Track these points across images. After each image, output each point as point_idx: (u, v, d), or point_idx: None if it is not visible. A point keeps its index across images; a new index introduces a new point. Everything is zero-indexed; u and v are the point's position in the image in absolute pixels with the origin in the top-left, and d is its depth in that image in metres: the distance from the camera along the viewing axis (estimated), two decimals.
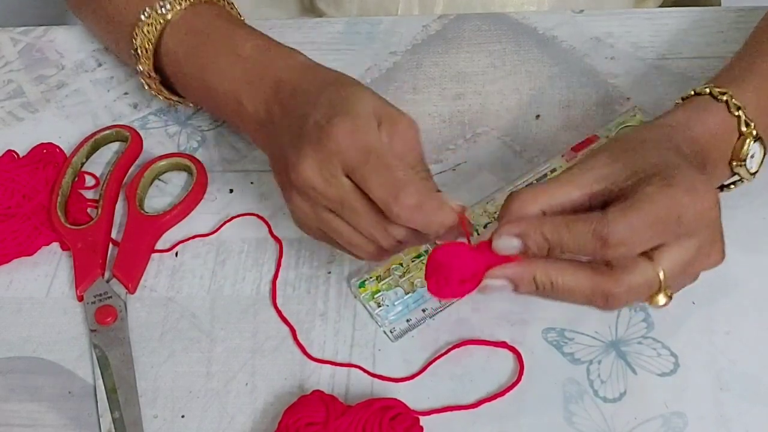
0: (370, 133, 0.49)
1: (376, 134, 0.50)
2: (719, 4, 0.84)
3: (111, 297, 0.57)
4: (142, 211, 0.61)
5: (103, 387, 0.54)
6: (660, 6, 0.79)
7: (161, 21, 0.60)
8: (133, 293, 0.58)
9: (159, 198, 0.63)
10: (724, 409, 0.51)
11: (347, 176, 0.49)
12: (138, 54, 0.60)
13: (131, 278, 0.58)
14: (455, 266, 0.47)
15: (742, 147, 0.52)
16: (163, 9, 0.60)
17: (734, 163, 0.52)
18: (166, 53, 0.60)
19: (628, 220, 0.44)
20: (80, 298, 0.58)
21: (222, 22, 0.60)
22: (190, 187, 0.62)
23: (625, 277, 0.45)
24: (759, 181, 0.59)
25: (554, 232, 0.45)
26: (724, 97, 0.52)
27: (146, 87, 0.63)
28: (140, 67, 0.61)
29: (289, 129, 0.52)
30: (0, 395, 0.55)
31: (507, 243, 0.46)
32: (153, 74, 0.62)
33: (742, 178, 0.54)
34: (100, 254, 0.59)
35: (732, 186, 0.54)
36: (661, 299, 0.47)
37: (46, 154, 0.64)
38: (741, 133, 0.52)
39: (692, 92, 0.54)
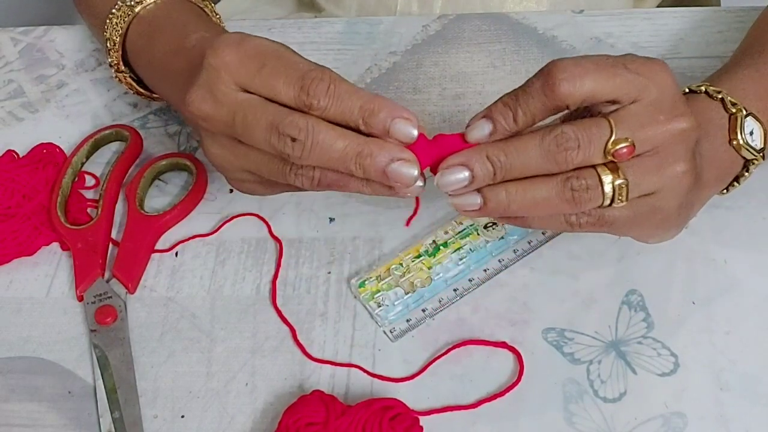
0: (260, 39, 0.47)
1: (269, 41, 0.47)
2: (719, 4, 0.84)
3: (111, 297, 0.57)
4: (142, 211, 0.61)
5: (103, 387, 0.54)
6: (660, 6, 0.79)
7: (129, 14, 0.60)
8: (133, 293, 0.58)
9: (159, 198, 0.63)
10: (724, 409, 0.51)
11: (247, 92, 0.47)
12: (107, 46, 0.61)
13: (131, 278, 0.58)
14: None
15: (736, 122, 0.51)
16: (132, 1, 0.60)
17: (735, 142, 0.52)
18: (129, 46, 0.61)
19: (575, 60, 0.44)
20: (80, 298, 0.58)
21: (182, 15, 0.60)
22: (190, 187, 0.62)
23: (574, 125, 0.44)
24: (759, 182, 0.59)
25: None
26: (719, 95, 0.52)
27: (117, 80, 0.63)
28: (109, 59, 0.62)
29: None
30: (0, 395, 0.55)
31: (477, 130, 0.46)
32: (122, 67, 0.62)
33: (752, 159, 0.53)
34: (100, 254, 0.59)
35: (746, 173, 0.54)
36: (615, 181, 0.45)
37: (46, 154, 0.64)
38: (730, 113, 0.52)
39: (686, 90, 0.53)
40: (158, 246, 0.61)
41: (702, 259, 0.57)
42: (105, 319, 0.56)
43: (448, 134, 0.47)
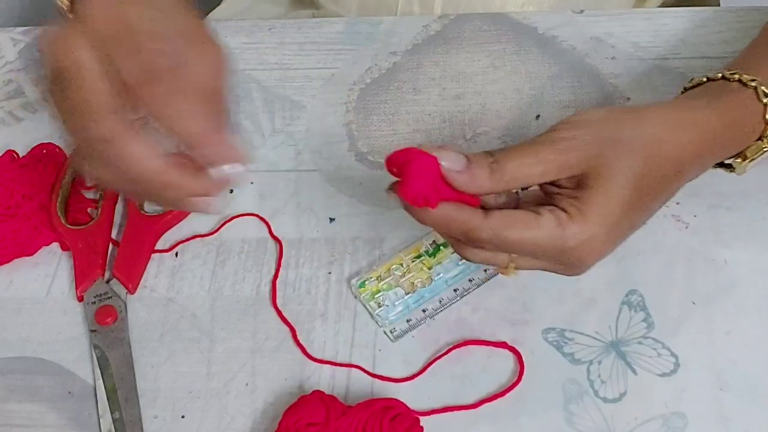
0: (134, 12, 0.45)
1: (145, 17, 0.45)
2: (719, 4, 0.84)
3: (111, 297, 0.57)
4: (142, 212, 0.61)
5: (103, 387, 0.54)
6: (660, 6, 0.79)
7: None
8: (133, 293, 0.58)
9: None
10: (724, 409, 0.51)
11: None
12: None
13: (131, 278, 0.58)
14: (422, 179, 0.46)
15: None
16: None
17: (763, 144, 0.52)
18: None
19: (496, 234, 0.46)
20: (80, 299, 0.58)
21: None
22: None
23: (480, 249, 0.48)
24: (759, 182, 0.59)
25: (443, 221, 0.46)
26: (753, 84, 0.51)
27: None
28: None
29: None
30: (0, 395, 0.55)
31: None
32: None
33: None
34: (100, 255, 0.59)
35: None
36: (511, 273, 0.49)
37: (46, 154, 0.64)
38: (767, 121, 0.51)
39: (719, 75, 0.53)
40: (158, 246, 0.61)
41: (702, 259, 0.57)
42: (105, 320, 0.56)
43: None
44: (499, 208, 0.49)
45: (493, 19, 0.71)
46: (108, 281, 0.58)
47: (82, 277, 0.58)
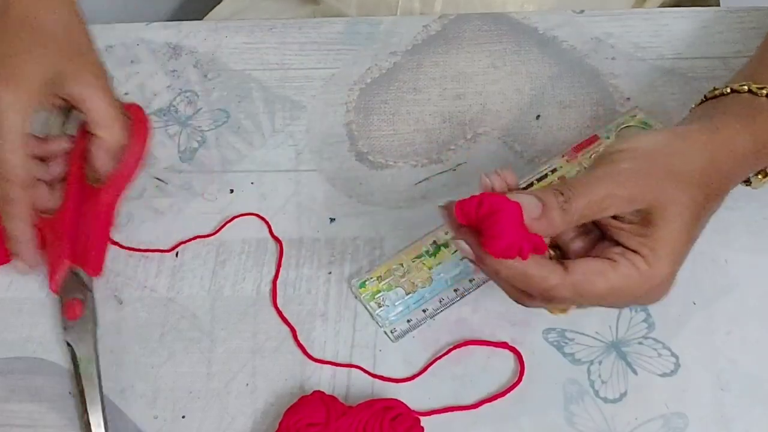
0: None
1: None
2: (718, 4, 0.84)
3: (78, 289, 0.55)
4: (89, 183, 0.57)
5: (76, 389, 0.52)
6: (660, 6, 0.79)
7: None
8: (97, 275, 0.56)
9: (159, 198, 0.63)
10: (725, 409, 0.51)
11: None
12: None
13: (90, 260, 0.54)
14: (513, 230, 0.44)
15: None
16: None
17: None
18: None
19: (576, 290, 0.45)
20: (56, 292, 0.56)
21: None
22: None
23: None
24: None
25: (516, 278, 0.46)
26: (765, 92, 0.51)
27: None
28: None
29: None
30: (0, 395, 0.55)
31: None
32: None
33: None
34: (64, 242, 0.55)
35: None
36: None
37: None
38: None
39: (745, 88, 0.52)
40: (159, 246, 0.60)
41: (702, 259, 0.57)
42: (73, 314, 0.54)
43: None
44: (555, 243, 0.49)
45: (493, 19, 0.71)
46: (73, 270, 0.55)
47: (53, 270, 0.55)
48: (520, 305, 0.48)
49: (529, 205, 0.45)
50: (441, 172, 0.63)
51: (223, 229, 0.61)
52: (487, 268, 0.46)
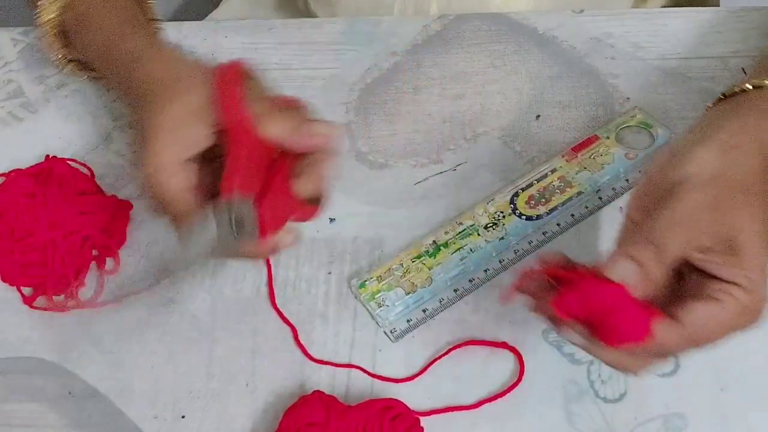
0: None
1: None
2: (718, 5, 0.84)
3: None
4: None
5: None
6: (660, 6, 0.79)
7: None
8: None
9: None
10: (724, 409, 0.51)
11: None
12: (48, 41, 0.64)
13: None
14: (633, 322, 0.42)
15: None
16: None
17: None
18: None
19: (694, 341, 0.44)
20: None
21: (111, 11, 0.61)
22: None
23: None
24: None
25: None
26: None
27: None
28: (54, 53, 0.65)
29: None
30: (0, 395, 0.55)
31: None
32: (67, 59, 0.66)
33: None
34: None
35: None
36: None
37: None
38: None
39: (749, 86, 0.51)
40: (160, 246, 0.60)
41: None
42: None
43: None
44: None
45: (493, 19, 0.71)
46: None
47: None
48: (519, 306, 0.48)
49: (629, 275, 0.43)
50: (441, 172, 0.63)
51: None
52: (605, 356, 0.45)
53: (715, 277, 0.44)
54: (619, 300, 0.42)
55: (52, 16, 0.62)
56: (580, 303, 0.43)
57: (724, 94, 0.52)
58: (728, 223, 0.45)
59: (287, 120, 0.50)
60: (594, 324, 0.43)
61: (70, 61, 0.66)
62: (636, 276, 0.44)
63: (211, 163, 0.51)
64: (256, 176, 0.50)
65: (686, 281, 0.46)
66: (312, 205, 0.51)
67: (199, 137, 0.50)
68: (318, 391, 0.52)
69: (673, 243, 0.44)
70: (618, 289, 0.43)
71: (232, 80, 0.50)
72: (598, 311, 0.43)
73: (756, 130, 0.48)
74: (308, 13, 0.81)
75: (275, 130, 0.50)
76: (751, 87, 0.51)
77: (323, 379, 0.54)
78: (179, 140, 0.50)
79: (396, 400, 0.51)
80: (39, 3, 0.62)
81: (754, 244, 0.45)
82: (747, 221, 0.45)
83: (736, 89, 0.52)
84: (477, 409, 0.52)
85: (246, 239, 0.49)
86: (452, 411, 0.52)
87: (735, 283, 0.44)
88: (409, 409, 0.51)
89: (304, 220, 0.52)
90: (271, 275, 0.58)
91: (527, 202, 0.60)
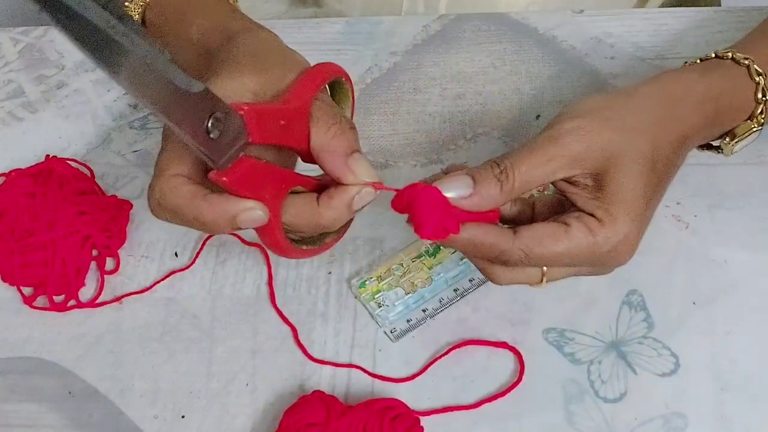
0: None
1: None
2: (719, 4, 0.84)
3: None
4: None
5: None
6: (660, 6, 0.79)
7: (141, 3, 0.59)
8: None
9: None
10: (725, 409, 0.51)
11: None
12: None
13: None
14: (431, 213, 0.45)
15: (762, 113, 0.52)
16: None
17: (752, 123, 0.52)
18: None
19: (527, 253, 0.45)
20: None
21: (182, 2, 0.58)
22: None
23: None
24: (759, 182, 0.59)
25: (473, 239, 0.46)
26: (746, 62, 0.51)
27: None
28: None
29: None
30: (0, 395, 0.55)
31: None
32: None
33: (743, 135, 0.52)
34: None
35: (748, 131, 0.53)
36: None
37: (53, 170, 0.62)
38: (757, 100, 0.51)
39: (713, 55, 0.53)
40: (159, 246, 0.60)
41: (702, 259, 0.57)
42: None
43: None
44: (515, 216, 0.49)
45: (493, 19, 0.71)
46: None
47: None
48: (519, 306, 0.48)
49: (454, 186, 0.45)
50: None
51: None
52: (442, 244, 0.47)
53: (578, 209, 0.45)
54: (423, 197, 0.45)
55: (136, 15, 0.59)
56: (399, 200, 0.46)
57: (700, 59, 0.53)
58: (597, 153, 0.45)
59: (338, 141, 0.46)
60: (411, 218, 0.46)
61: None
62: (465, 188, 0.45)
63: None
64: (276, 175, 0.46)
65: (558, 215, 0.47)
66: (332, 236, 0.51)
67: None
68: (318, 391, 0.52)
69: (523, 166, 0.45)
70: (428, 190, 0.45)
71: (317, 74, 0.48)
72: (407, 206, 0.46)
73: (662, 83, 0.49)
74: (315, 4, 0.81)
75: (320, 141, 0.46)
76: (698, 61, 0.53)
77: (323, 379, 0.54)
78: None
79: (396, 400, 0.51)
80: (125, 6, 0.60)
81: (625, 181, 0.45)
82: (620, 156, 0.45)
83: (689, 63, 0.53)
84: (477, 409, 0.52)
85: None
86: (452, 411, 0.52)
87: (591, 214, 0.45)
88: (409, 409, 0.51)
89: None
90: (271, 275, 0.58)
91: None
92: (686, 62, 0.54)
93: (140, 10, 0.59)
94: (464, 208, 0.45)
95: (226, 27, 0.53)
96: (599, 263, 0.47)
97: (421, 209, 0.45)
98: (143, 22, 0.59)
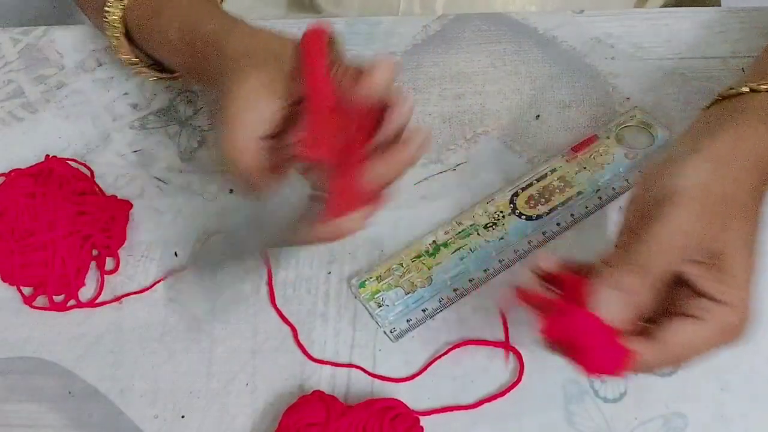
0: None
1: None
2: (719, 4, 0.84)
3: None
4: None
5: None
6: (661, 6, 0.79)
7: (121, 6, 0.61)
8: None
9: (160, 199, 0.63)
10: (725, 409, 0.51)
11: None
12: (112, 42, 0.62)
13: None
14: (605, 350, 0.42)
15: None
16: None
17: None
18: (133, 33, 0.61)
19: (650, 358, 0.44)
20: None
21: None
22: None
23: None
24: None
25: None
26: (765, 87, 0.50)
27: (134, 73, 0.65)
28: (120, 56, 0.62)
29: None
30: (0, 395, 0.55)
31: None
32: (134, 59, 0.63)
33: None
34: None
35: None
36: None
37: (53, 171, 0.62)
38: None
39: (746, 89, 0.50)
40: (159, 246, 0.60)
41: None
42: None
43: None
44: None
45: (493, 19, 0.71)
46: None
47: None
48: (518, 305, 0.47)
49: (612, 303, 0.43)
50: (441, 172, 0.63)
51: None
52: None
53: (701, 293, 0.44)
54: (595, 333, 0.42)
55: (116, 17, 0.61)
56: (561, 331, 0.43)
57: (721, 95, 0.52)
58: (718, 239, 0.44)
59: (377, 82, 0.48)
60: (574, 351, 0.43)
61: (135, 61, 0.64)
62: (619, 304, 0.43)
63: (285, 136, 0.50)
64: (333, 150, 0.48)
65: (678, 290, 0.45)
66: (379, 193, 0.50)
67: (273, 112, 0.49)
68: (318, 390, 0.52)
69: (659, 261, 0.43)
70: (594, 321, 0.42)
71: (317, 48, 0.48)
72: (576, 341, 0.43)
73: (752, 142, 0.47)
74: (311, 7, 0.81)
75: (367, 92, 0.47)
76: (747, 90, 0.50)
77: (323, 379, 0.54)
78: (253, 118, 0.49)
79: (396, 399, 0.51)
80: (107, 5, 0.60)
81: (742, 261, 0.44)
82: (735, 237, 0.45)
83: (733, 91, 0.51)
84: (477, 409, 0.52)
85: (316, 216, 0.48)
86: (452, 411, 0.52)
87: (721, 301, 0.44)
88: (409, 409, 0.51)
89: (367, 206, 0.50)
90: (271, 275, 0.58)
91: (527, 202, 0.60)
92: (731, 88, 0.51)
93: (120, 13, 0.60)
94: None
95: (199, 29, 0.55)
96: (724, 345, 0.46)
97: (588, 343, 0.42)
98: (125, 24, 0.61)
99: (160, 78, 0.64)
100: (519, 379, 0.53)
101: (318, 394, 0.52)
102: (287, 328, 0.56)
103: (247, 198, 0.51)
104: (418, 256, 0.58)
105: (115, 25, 0.60)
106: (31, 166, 0.63)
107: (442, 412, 0.52)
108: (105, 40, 0.72)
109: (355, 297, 0.57)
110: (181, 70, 0.61)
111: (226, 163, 0.50)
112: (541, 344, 0.45)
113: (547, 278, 0.45)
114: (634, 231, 0.45)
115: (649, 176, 0.47)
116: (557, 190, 0.60)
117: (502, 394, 0.52)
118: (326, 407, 0.50)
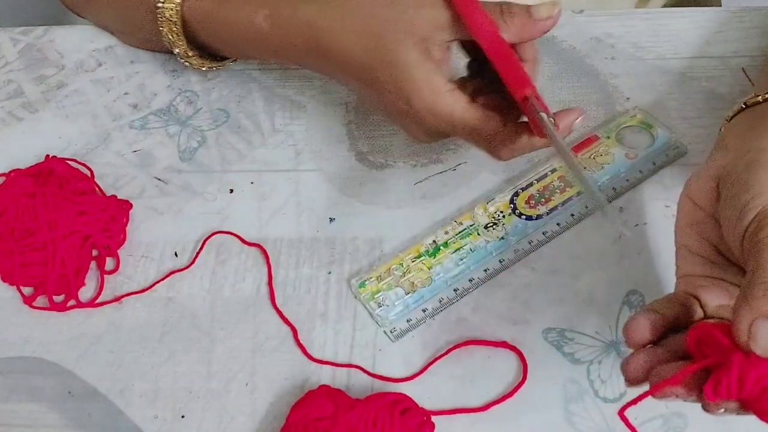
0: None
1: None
2: (719, 4, 0.84)
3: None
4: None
5: None
6: (661, 6, 0.79)
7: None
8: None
9: (159, 198, 0.63)
10: None
11: None
12: (169, 38, 0.63)
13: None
14: None
15: None
16: None
17: None
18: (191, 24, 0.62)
19: None
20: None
21: None
22: None
23: None
24: None
25: None
26: None
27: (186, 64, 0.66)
28: (176, 50, 0.64)
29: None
30: (0, 395, 0.55)
31: None
32: (190, 53, 0.65)
33: None
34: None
35: None
36: None
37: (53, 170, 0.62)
38: None
39: (759, 99, 0.50)
40: (159, 246, 0.60)
41: None
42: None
43: None
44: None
45: None
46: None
47: None
48: (519, 306, 0.47)
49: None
50: (441, 172, 0.63)
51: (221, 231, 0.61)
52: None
53: None
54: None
55: (173, 11, 0.61)
56: (734, 387, 0.39)
57: (746, 104, 0.51)
58: None
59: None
60: (749, 402, 0.40)
61: (192, 53, 0.65)
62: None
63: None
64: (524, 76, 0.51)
65: None
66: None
67: (446, 61, 0.52)
68: (324, 385, 0.52)
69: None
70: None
71: None
72: (754, 392, 0.39)
73: None
74: None
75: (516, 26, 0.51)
76: (761, 100, 0.50)
77: (323, 379, 0.54)
78: (431, 71, 0.51)
79: (404, 394, 0.51)
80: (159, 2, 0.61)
81: None
82: None
83: (760, 99, 0.51)
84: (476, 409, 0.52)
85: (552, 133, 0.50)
86: (459, 413, 0.52)
87: None
88: (416, 403, 0.51)
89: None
90: (271, 275, 0.58)
91: (527, 202, 0.60)
92: (757, 95, 0.51)
93: (177, 8, 0.61)
94: None
95: (299, 16, 0.56)
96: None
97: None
98: (183, 16, 0.62)
99: (211, 67, 0.67)
100: (524, 379, 0.53)
101: (325, 389, 0.51)
102: (287, 328, 0.56)
103: (493, 151, 0.53)
104: (418, 256, 0.58)
105: (173, 19, 0.61)
106: (31, 166, 0.63)
107: (449, 413, 0.52)
108: (105, 40, 0.72)
109: (355, 297, 0.57)
110: (266, 56, 0.63)
111: (442, 129, 0.52)
112: (707, 409, 0.41)
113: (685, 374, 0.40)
114: (744, 256, 0.42)
115: (714, 198, 0.46)
116: (557, 190, 0.60)
117: (510, 395, 0.52)
118: (334, 401, 0.50)
